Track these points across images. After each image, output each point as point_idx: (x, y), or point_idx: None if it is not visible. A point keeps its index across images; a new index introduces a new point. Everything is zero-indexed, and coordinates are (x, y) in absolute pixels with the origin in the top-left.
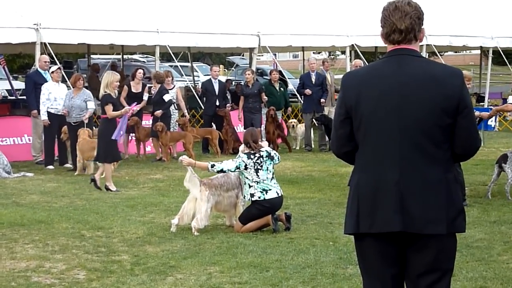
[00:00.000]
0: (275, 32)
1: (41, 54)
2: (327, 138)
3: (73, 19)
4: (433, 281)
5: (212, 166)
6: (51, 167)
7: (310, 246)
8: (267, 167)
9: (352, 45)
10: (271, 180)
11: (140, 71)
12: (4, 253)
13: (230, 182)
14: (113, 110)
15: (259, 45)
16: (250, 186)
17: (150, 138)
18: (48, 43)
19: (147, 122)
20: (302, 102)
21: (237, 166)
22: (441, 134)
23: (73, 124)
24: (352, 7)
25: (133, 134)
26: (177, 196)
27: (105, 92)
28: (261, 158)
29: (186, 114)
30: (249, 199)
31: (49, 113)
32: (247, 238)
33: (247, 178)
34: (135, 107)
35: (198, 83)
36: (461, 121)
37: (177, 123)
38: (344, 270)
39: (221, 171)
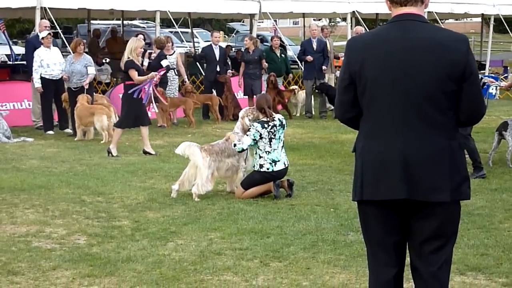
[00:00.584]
0: None
1: (41, 19)
2: (328, 105)
3: None
4: (437, 247)
5: (234, 145)
6: (51, 132)
7: (311, 213)
8: (280, 136)
9: (354, 11)
10: (281, 149)
11: (141, 36)
12: (5, 218)
13: (231, 148)
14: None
15: (260, 11)
16: (260, 157)
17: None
18: (48, 8)
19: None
20: (303, 69)
21: (253, 139)
22: (445, 100)
23: (74, 89)
24: None
25: None
26: (178, 162)
27: (129, 58)
28: (274, 127)
29: (186, 80)
30: (257, 169)
31: (44, 78)
32: (248, 204)
33: (258, 148)
34: (162, 72)
35: (198, 49)
36: (467, 87)
37: (176, 89)
38: (344, 237)
39: (242, 150)
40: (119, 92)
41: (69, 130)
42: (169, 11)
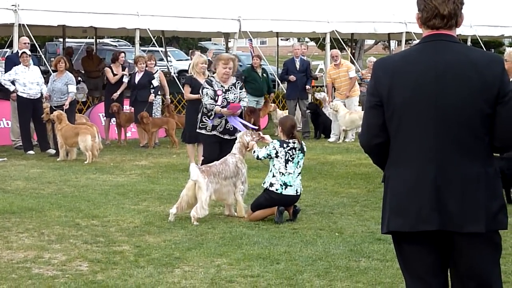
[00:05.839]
0: (256, 17)
1: (20, 36)
2: (311, 125)
3: (52, 1)
4: (480, 284)
5: (253, 152)
6: (31, 152)
7: (316, 237)
8: (298, 161)
9: (333, 31)
10: (297, 176)
11: (122, 54)
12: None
13: (228, 169)
14: (191, 93)
15: (239, 30)
16: (273, 176)
17: (131, 124)
18: (27, 25)
19: (126, 107)
20: (284, 89)
21: (268, 153)
22: (480, 125)
23: (55, 108)
24: None
25: (114, 119)
26: (168, 183)
27: (190, 73)
28: (293, 150)
29: (168, 99)
30: (266, 186)
31: (21, 97)
32: (250, 228)
33: (274, 166)
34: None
35: (171, 68)
36: (501, 110)
37: (158, 109)
38: (357, 263)
39: (257, 157)
40: (99, 111)
41: (51, 151)
42: (149, 29)
